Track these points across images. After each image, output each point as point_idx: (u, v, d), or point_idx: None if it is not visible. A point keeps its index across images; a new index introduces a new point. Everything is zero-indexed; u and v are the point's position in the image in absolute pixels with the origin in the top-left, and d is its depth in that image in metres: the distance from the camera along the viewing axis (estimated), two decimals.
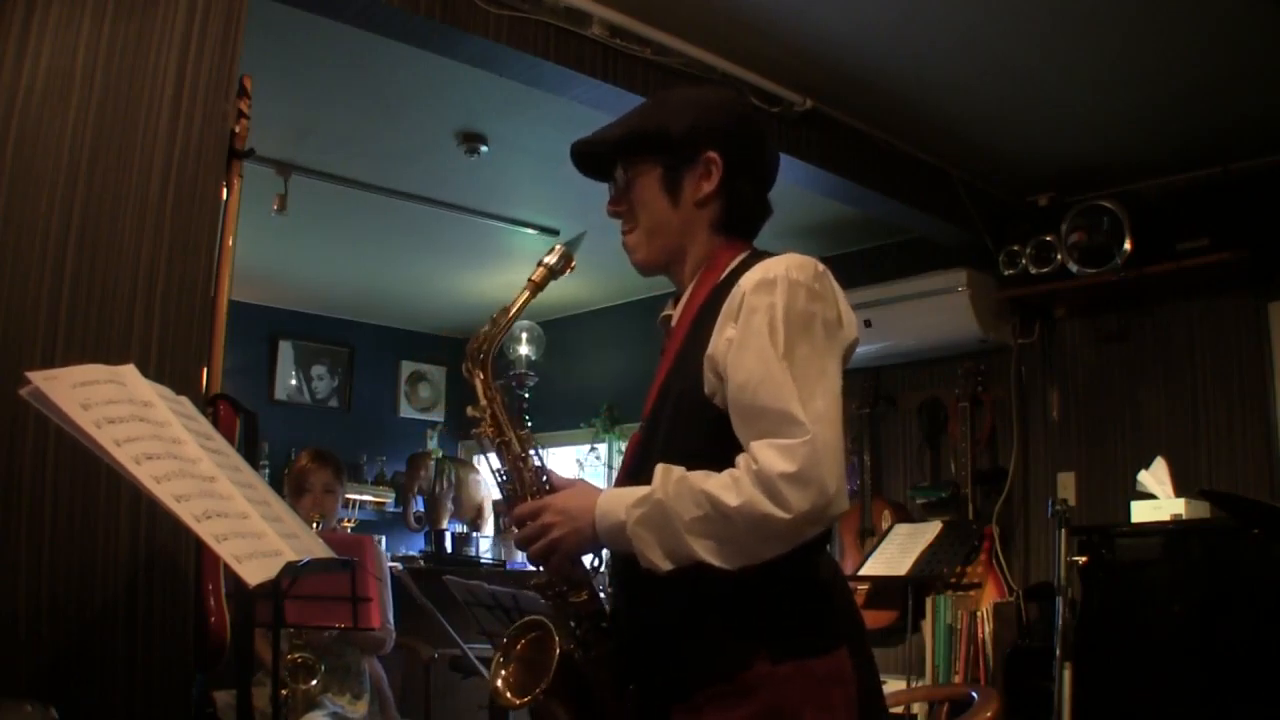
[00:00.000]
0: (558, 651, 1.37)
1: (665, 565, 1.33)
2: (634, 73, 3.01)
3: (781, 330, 1.35)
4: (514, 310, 1.56)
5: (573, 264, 1.60)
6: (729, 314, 1.41)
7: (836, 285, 1.45)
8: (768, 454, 1.30)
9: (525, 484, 1.52)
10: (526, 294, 1.56)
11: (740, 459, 1.33)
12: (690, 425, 1.42)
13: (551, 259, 1.57)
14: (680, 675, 1.40)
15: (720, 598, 1.36)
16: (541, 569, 1.47)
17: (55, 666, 1.81)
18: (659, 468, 1.36)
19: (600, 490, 1.45)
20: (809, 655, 1.37)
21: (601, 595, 1.51)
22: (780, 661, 1.35)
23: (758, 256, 1.50)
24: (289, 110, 3.54)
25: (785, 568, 1.34)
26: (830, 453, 1.29)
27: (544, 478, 1.52)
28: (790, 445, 1.29)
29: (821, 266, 1.44)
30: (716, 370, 1.40)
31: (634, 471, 1.47)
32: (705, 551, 1.31)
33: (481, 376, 1.55)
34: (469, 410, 1.57)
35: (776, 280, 1.38)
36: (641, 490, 1.36)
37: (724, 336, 1.40)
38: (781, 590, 1.37)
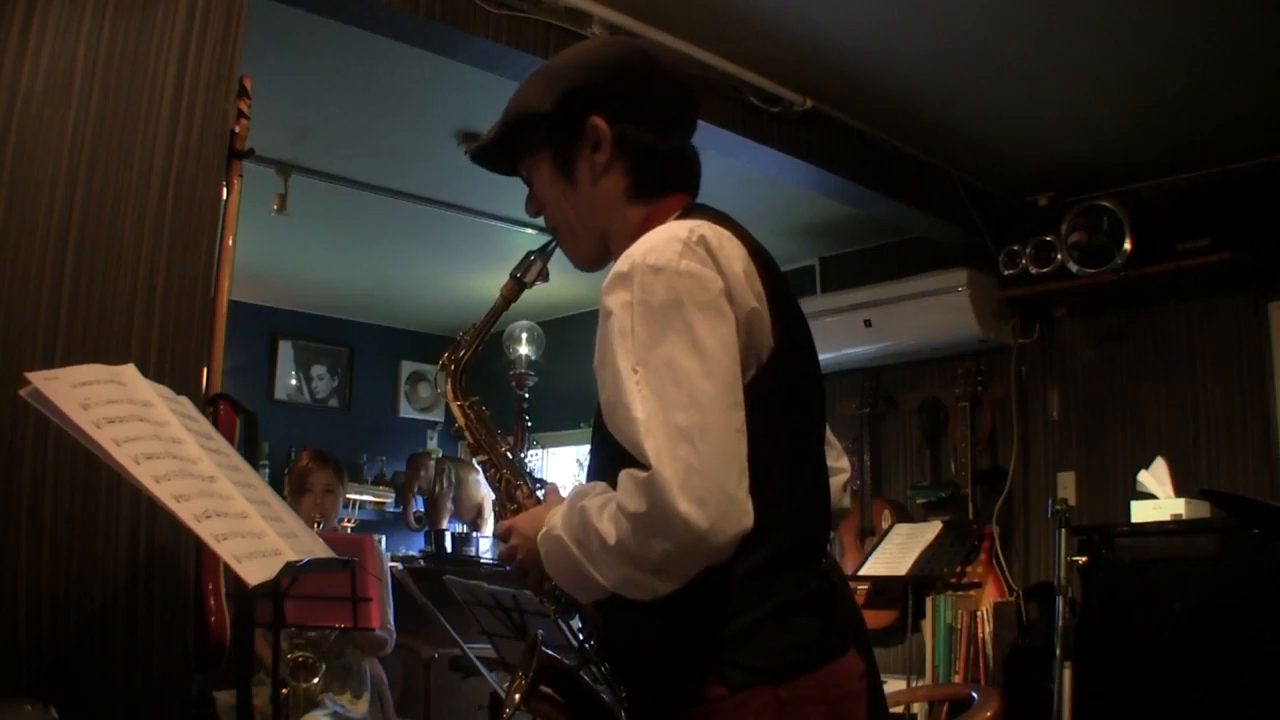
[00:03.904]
0: (535, 658, 1.31)
1: (583, 598, 1.24)
2: None
3: (633, 334, 1.17)
4: (483, 326, 1.52)
5: (543, 272, 1.53)
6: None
7: (727, 247, 1.23)
8: (622, 486, 1.14)
9: (511, 498, 1.46)
10: (497, 308, 1.52)
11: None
12: (605, 432, 1.24)
13: (521, 271, 1.53)
14: (636, 703, 1.28)
15: (672, 619, 1.20)
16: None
17: (55, 666, 1.81)
18: (573, 491, 1.26)
19: (557, 504, 1.31)
20: (771, 681, 1.18)
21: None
22: (738, 689, 1.17)
23: (690, 215, 1.30)
24: (289, 110, 3.54)
25: (750, 584, 1.19)
26: (696, 477, 1.09)
27: (539, 490, 1.43)
28: (636, 481, 1.12)
29: (698, 233, 1.21)
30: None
31: (590, 476, 1.37)
32: (610, 585, 1.17)
33: (452, 395, 1.51)
34: (454, 428, 1.55)
35: (632, 271, 1.19)
36: (555, 518, 1.24)
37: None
38: (744, 610, 1.19)
